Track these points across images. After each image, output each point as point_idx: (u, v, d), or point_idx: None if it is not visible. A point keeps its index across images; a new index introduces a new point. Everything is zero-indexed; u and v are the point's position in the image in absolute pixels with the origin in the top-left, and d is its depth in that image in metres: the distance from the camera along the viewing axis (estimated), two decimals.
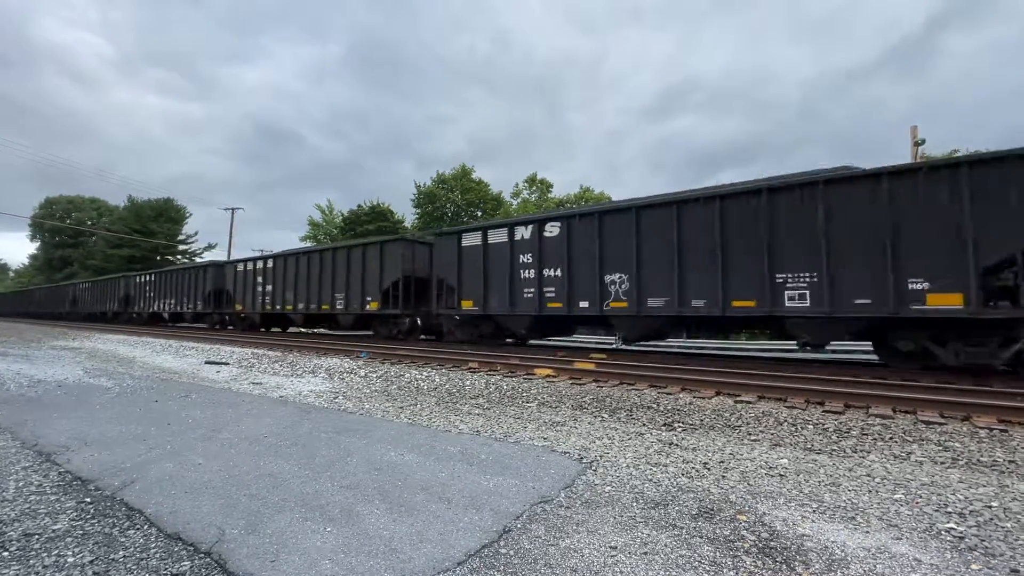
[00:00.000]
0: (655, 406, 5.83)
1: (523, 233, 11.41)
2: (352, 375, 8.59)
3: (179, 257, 53.88)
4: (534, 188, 47.08)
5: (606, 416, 5.53)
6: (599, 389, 6.83)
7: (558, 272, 10.71)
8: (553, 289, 10.76)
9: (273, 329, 20.40)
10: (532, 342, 13.38)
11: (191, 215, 56.83)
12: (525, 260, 11.28)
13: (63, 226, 59.39)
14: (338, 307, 15.45)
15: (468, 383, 7.52)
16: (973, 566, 2.27)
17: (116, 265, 46.79)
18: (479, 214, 40.44)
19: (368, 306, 14.50)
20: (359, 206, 40.76)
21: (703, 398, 6.16)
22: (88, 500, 3.09)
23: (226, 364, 10.39)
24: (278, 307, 17.93)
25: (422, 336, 14.80)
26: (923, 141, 18.04)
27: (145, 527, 2.71)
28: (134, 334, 19.27)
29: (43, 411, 5.67)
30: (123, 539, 2.57)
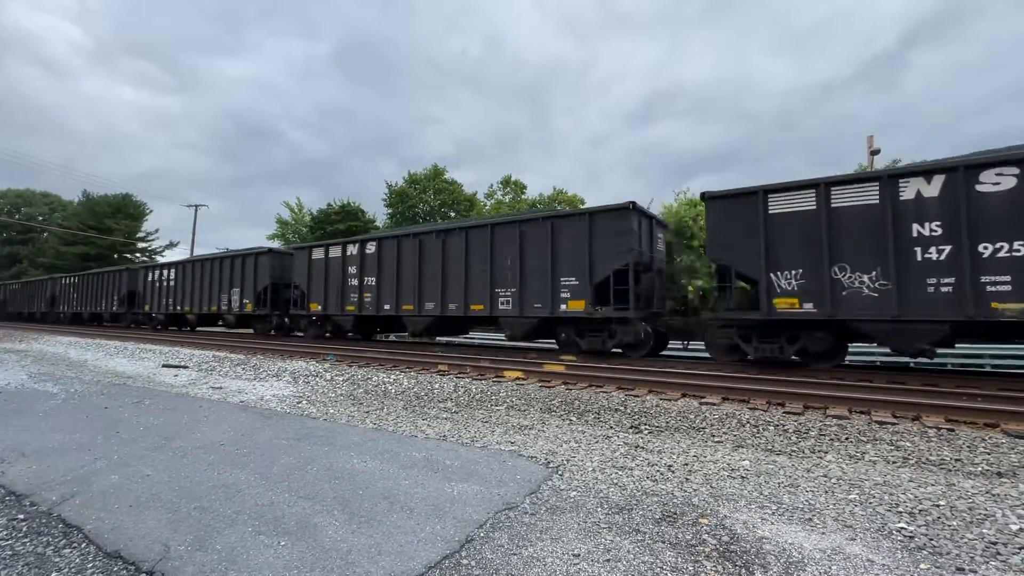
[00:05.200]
0: (623, 408, 5.86)
1: (352, 250, 13.92)
2: (318, 378, 8.37)
3: (137, 255, 51.58)
4: (508, 189, 47.01)
5: (574, 419, 5.54)
6: (568, 391, 6.84)
7: (373, 281, 13.30)
8: (370, 295, 13.36)
9: (183, 328, 21.59)
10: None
11: (151, 211, 54.37)
12: (352, 271, 13.84)
13: (11, 221, 56.11)
14: (223, 308, 17.93)
15: (437, 386, 7.42)
16: (922, 565, 2.34)
17: (69, 263, 44.38)
18: (452, 214, 40.11)
19: (246, 307, 17.09)
20: (329, 205, 39.84)
21: (669, 400, 6.24)
22: (21, 517, 2.89)
23: (185, 368, 9.99)
24: (179, 308, 20.02)
25: (294, 332, 17.14)
26: (878, 151, 18.88)
27: (83, 545, 2.54)
28: (86, 336, 18.34)
29: None
30: (57, 559, 2.41)
